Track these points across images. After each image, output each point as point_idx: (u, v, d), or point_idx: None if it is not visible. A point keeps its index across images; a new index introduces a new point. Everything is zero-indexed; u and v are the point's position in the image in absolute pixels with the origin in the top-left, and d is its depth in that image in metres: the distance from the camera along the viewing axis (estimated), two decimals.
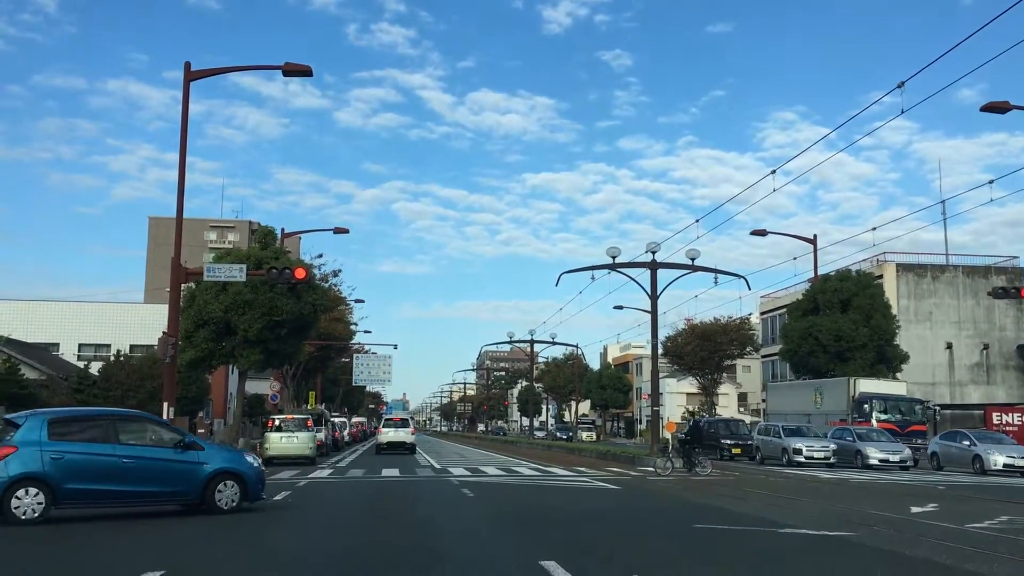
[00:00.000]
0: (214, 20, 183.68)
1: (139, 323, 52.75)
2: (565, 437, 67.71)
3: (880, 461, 28.15)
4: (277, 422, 30.29)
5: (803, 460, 28.97)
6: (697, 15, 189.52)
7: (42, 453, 11.67)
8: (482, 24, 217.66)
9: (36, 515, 11.47)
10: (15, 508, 11.40)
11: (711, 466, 24.87)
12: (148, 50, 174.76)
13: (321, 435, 33.99)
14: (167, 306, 23.62)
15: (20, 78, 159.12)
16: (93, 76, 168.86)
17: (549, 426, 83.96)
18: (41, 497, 11.57)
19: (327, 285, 44.39)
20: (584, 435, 71.02)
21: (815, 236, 41.61)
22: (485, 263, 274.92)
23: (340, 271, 51.50)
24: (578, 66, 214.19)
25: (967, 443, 27.86)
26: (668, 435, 33.02)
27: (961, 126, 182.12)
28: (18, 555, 9.43)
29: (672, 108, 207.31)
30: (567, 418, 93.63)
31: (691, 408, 69.39)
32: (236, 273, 23.64)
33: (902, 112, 20.77)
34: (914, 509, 14.23)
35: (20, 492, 11.44)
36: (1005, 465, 26.10)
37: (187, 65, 22.22)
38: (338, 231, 38.67)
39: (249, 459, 13.75)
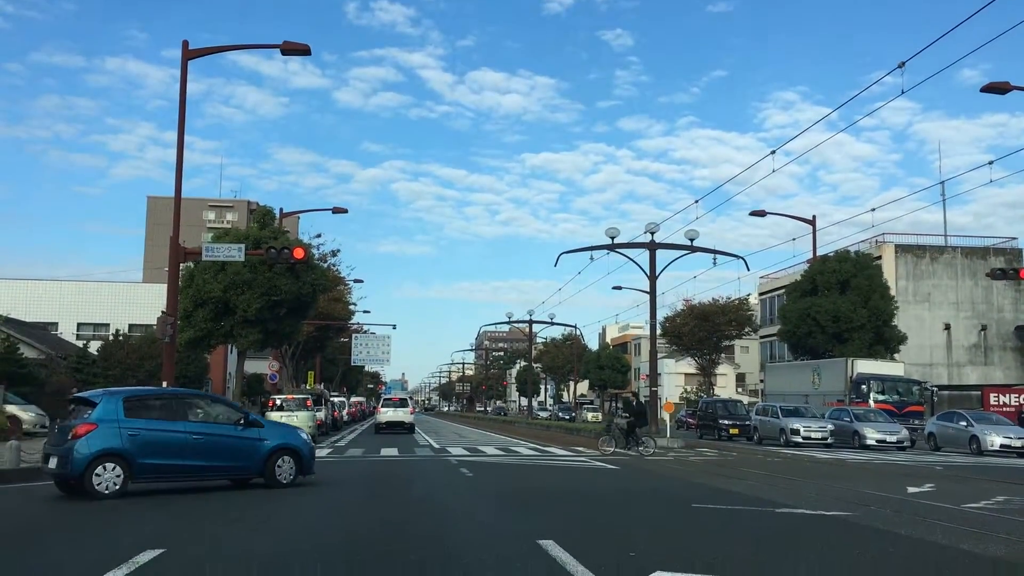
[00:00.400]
0: None
1: (138, 302, 52.78)
2: (568, 417, 66.72)
3: (877, 441, 28.26)
4: (278, 402, 30.70)
5: (801, 440, 29.07)
6: None
7: (120, 430, 12.14)
8: (483, 3, 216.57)
9: (116, 489, 11.91)
10: (96, 483, 11.83)
11: (655, 446, 24.37)
12: (147, 28, 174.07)
13: (321, 415, 34.23)
14: (166, 286, 23.59)
15: (18, 56, 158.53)
16: (92, 54, 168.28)
17: (550, 406, 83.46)
18: (120, 472, 12.02)
19: (326, 265, 44.35)
20: (590, 415, 70.27)
21: (814, 217, 41.59)
22: (485, 243, 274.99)
23: (339, 251, 51.43)
24: (579, 46, 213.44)
25: (964, 424, 27.98)
26: (667, 415, 33.17)
27: (963, 107, 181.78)
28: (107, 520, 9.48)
29: (673, 88, 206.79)
30: (565, 398, 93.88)
31: (689, 388, 69.47)
32: (235, 253, 23.61)
33: (902, 92, 20.74)
34: (911, 489, 14.30)
35: (100, 468, 11.89)
36: (1002, 446, 26.23)
37: (185, 44, 22.07)
38: (336, 211, 38.57)
39: (304, 436, 14.40)
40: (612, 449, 24.10)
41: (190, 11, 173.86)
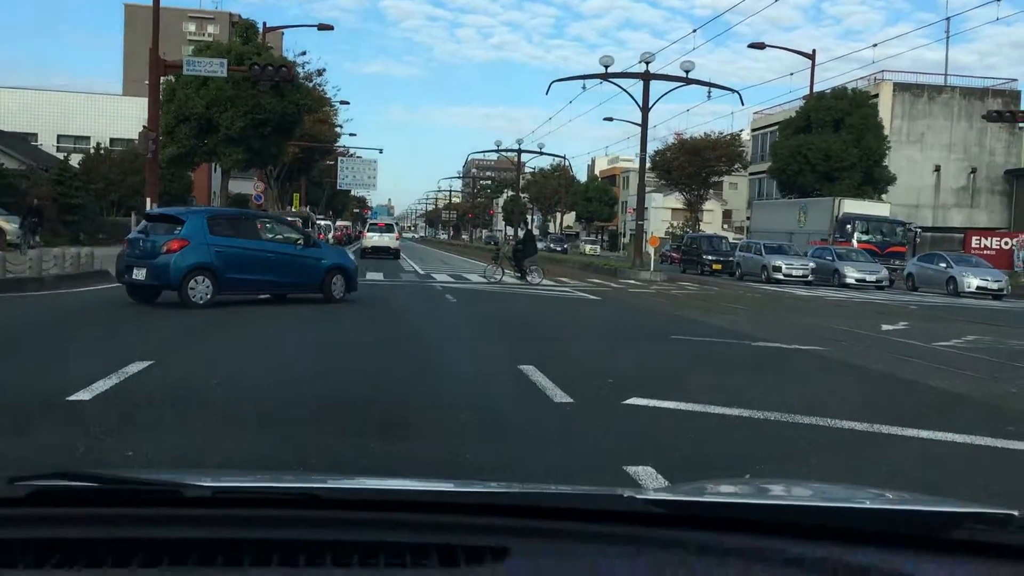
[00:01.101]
0: None
1: (119, 116, 51.63)
2: (560, 249, 65.61)
3: (857, 280, 28.69)
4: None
5: (782, 277, 29.47)
6: None
7: (208, 246, 13.13)
8: None
9: (207, 299, 12.98)
10: (192, 294, 12.86)
11: (542, 276, 23.95)
12: None
13: None
14: (147, 99, 22.98)
15: None
16: None
17: (546, 237, 79.49)
18: (209, 284, 13.08)
19: (311, 85, 43.21)
20: (587, 248, 69.17)
21: (813, 51, 40.43)
22: (475, 68, 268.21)
23: (324, 71, 50.14)
24: None
25: (943, 265, 28.35)
26: (651, 249, 33.40)
27: None
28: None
29: None
30: (551, 229, 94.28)
31: (675, 223, 69.65)
32: (217, 68, 22.91)
33: None
34: (884, 327, 14.60)
35: (193, 281, 12.90)
36: (978, 287, 26.69)
37: None
38: (322, 27, 37.12)
39: (352, 257, 15.79)
40: (500, 277, 24.36)
41: None
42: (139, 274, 13.04)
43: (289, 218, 33.05)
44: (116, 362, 7.30)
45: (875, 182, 40.14)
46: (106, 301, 13.98)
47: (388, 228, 43.14)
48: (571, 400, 6.64)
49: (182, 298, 12.82)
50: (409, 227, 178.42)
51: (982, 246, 36.88)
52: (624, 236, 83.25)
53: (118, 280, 14.01)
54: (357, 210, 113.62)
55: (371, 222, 48.34)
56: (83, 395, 6.06)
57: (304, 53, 73.71)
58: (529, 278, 23.79)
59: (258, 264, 13.76)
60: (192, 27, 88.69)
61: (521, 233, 38.86)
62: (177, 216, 13.75)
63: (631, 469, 4.61)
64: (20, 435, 5.18)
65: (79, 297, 14.85)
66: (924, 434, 5.96)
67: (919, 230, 41.33)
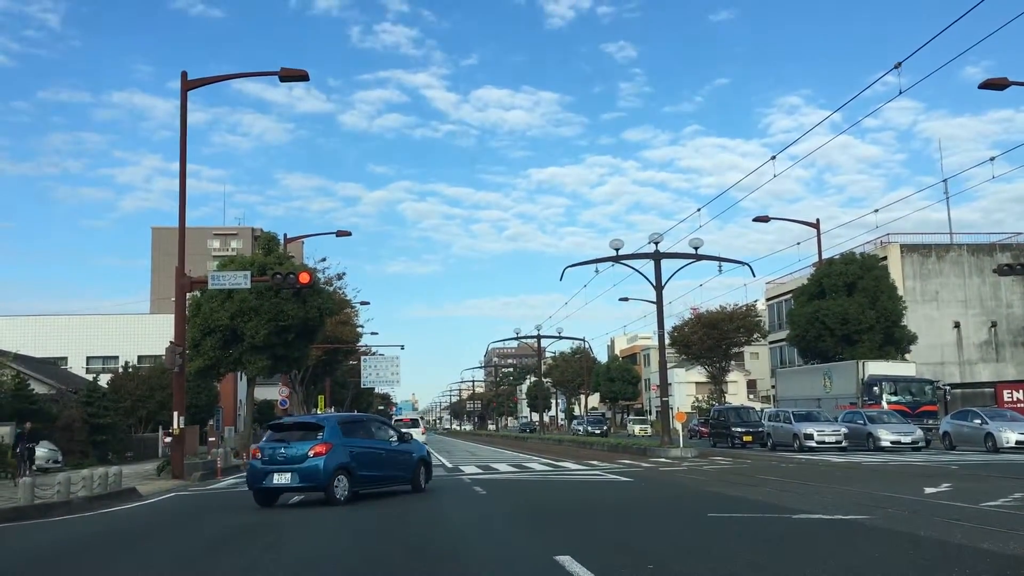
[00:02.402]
0: (216, 28, 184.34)
1: (146, 333, 52.94)
2: (600, 432, 58.77)
3: (892, 443, 28.11)
4: None
5: (815, 445, 28.93)
6: (700, 3, 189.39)
7: (345, 448, 14.74)
8: (485, 21, 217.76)
9: (347, 496, 14.54)
10: (337, 492, 14.40)
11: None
12: (152, 61, 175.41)
13: None
14: (173, 316, 23.62)
15: (26, 94, 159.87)
16: (98, 89, 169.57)
17: (583, 420, 69.15)
18: (346, 482, 14.61)
19: (332, 288, 44.44)
20: (637, 429, 60.99)
21: (817, 220, 41.61)
22: (492, 259, 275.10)
23: (344, 274, 51.56)
24: (582, 59, 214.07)
25: (978, 422, 27.81)
26: (679, 425, 33.04)
27: (967, 104, 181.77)
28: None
29: (677, 98, 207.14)
30: (577, 412, 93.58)
31: (700, 397, 69.12)
32: (241, 280, 23.67)
33: (900, 92, 20.74)
34: (928, 490, 14.20)
35: (336, 480, 14.42)
36: (1017, 442, 26.05)
37: (183, 74, 22.22)
38: (340, 234, 38.70)
39: (427, 450, 17.63)
40: None
41: (194, 43, 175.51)
42: (282, 479, 14.36)
43: None
44: None
45: (896, 342, 40.08)
46: (144, 521, 13.83)
47: (413, 423, 43.87)
48: None
49: (328, 496, 14.32)
50: (434, 420, 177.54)
51: (1014, 399, 36.27)
52: (650, 413, 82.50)
53: (250, 487, 14.94)
54: (382, 407, 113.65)
55: (396, 418, 48.46)
56: None
57: (324, 259, 76.31)
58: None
59: (376, 461, 15.44)
60: (216, 243, 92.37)
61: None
62: (315, 423, 15.37)
63: None
64: None
65: (111, 519, 14.71)
66: None
67: (948, 387, 40.83)
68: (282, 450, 14.45)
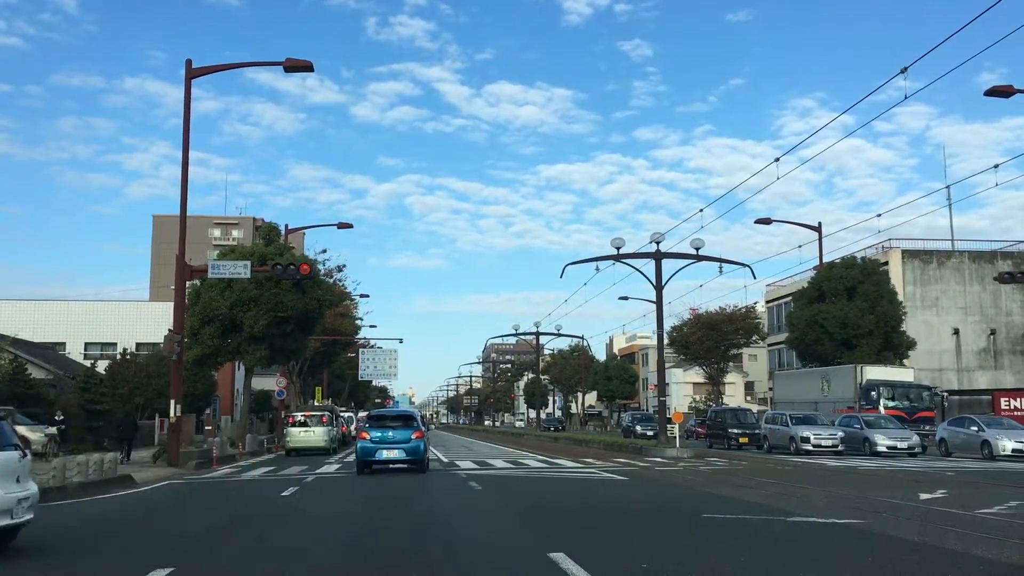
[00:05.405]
0: (232, 16, 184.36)
1: (145, 321, 52.89)
2: (652, 433, 42.97)
3: (888, 448, 28.10)
4: (299, 417, 32.54)
5: (811, 448, 28.92)
6: (717, 3, 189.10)
7: (425, 433, 20.95)
8: (502, 15, 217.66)
9: (430, 470, 20.70)
10: (428, 465, 20.91)
11: None
12: (166, 48, 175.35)
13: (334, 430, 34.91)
14: (172, 304, 23.60)
15: (39, 78, 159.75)
16: (111, 75, 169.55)
17: (630, 418, 54.01)
18: (428, 458, 21.31)
19: (332, 280, 44.40)
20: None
21: (819, 224, 41.62)
22: (497, 255, 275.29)
23: (344, 266, 51.19)
24: (597, 57, 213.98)
25: (975, 429, 27.79)
26: (676, 425, 33.02)
27: (980, 111, 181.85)
28: None
29: (690, 98, 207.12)
30: (574, 409, 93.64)
31: (697, 397, 69.14)
32: (241, 270, 23.65)
33: (906, 97, 20.64)
34: (923, 496, 14.19)
35: (426, 456, 21.11)
36: (1014, 450, 26.01)
37: (188, 62, 22.21)
38: (342, 226, 38.56)
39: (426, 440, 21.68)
40: None
41: (209, 32, 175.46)
42: (391, 454, 19.78)
43: (319, 412, 34.39)
44: None
45: (895, 348, 40.07)
46: (141, 505, 13.82)
47: (405, 423, 43.35)
48: None
49: (421, 468, 20.00)
50: (431, 415, 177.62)
51: (1011, 407, 36.26)
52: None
53: (359, 459, 20.15)
54: (379, 400, 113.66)
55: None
56: None
57: (325, 251, 76.14)
58: None
59: (426, 446, 21.09)
60: (217, 232, 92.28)
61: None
62: (409, 415, 21.88)
63: None
64: None
65: (102, 505, 14.70)
66: None
67: (946, 394, 40.83)
68: (390, 433, 19.80)
